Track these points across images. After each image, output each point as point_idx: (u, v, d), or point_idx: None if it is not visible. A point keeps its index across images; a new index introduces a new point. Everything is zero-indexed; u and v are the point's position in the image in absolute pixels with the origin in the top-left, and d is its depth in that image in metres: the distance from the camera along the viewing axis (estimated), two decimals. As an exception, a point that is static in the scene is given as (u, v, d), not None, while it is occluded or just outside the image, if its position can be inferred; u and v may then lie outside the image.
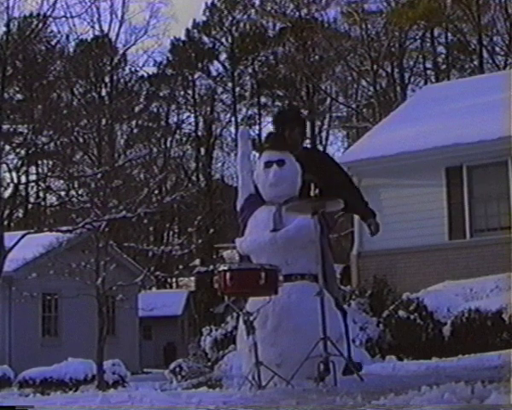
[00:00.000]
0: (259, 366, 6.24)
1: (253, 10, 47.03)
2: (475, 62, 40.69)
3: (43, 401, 6.17)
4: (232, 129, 48.50)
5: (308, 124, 46.39)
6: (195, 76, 49.43)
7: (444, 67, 43.72)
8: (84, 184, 26.53)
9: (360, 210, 7.17)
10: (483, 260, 15.64)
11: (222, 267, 6.35)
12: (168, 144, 48.33)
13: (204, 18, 49.06)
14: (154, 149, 42.79)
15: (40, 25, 30.23)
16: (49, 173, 39.01)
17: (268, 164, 6.93)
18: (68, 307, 27.87)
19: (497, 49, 40.32)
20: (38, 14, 28.92)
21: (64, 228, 23.54)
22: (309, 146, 7.74)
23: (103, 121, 29.75)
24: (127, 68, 46.74)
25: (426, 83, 40.62)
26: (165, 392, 7.70)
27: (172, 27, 53.10)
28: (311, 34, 41.13)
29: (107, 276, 21.82)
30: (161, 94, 49.18)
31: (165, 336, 38.85)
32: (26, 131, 29.81)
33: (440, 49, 44.00)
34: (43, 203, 43.36)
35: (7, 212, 29.75)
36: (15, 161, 36.48)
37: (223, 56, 49.67)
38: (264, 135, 41.22)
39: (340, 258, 20.40)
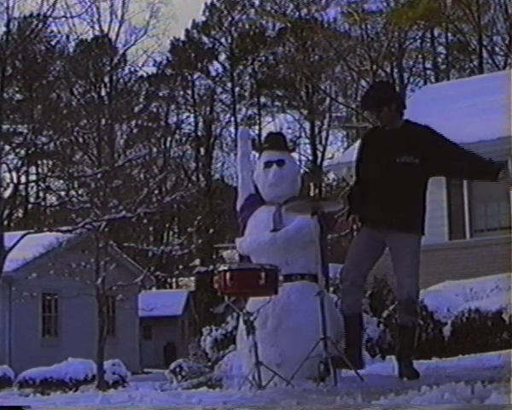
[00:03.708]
0: (259, 366, 6.24)
1: (252, 10, 47.07)
2: (475, 62, 40.67)
3: (40, 402, 6.16)
4: (232, 129, 48.51)
5: (308, 124, 46.54)
6: (195, 76, 49.44)
7: (443, 67, 43.72)
8: (84, 184, 26.50)
9: (488, 173, 6.59)
10: (483, 260, 15.61)
11: (222, 267, 6.35)
12: (168, 144, 48.31)
13: (203, 18, 49.13)
14: (154, 149, 42.72)
15: (40, 25, 30.19)
16: (49, 173, 38.93)
17: (268, 164, 6.94)
18: (68, 307, 27.86)
19: (497, 49, 40.32)
20: (38, 14, 28.90)
21: (64, 228, 23.53)
22: (411, 120, 7.27)
23: (103, 121, 29.70)
24: (127, 68, 46.80)
25: (425, 83, 40.61)
26: (165, 392, 7.69)
27: (172, 27, 53.07)
28: (310, 34, 41.08)
29: (107, 276, 21.83)
30: (161, 94, 49.17)
31: (165, 336, 38.83)
32: (26, 131, 29.76)
33: (440, 49, 44.02)
34: (43, 203, 43.30)
35: (7, 212, 29.73)
36: (15, 161, 36.41)
37: (222, 56, 49.70)
38: (264, 135, 41.25)
39: (341, 258, 20.37)
